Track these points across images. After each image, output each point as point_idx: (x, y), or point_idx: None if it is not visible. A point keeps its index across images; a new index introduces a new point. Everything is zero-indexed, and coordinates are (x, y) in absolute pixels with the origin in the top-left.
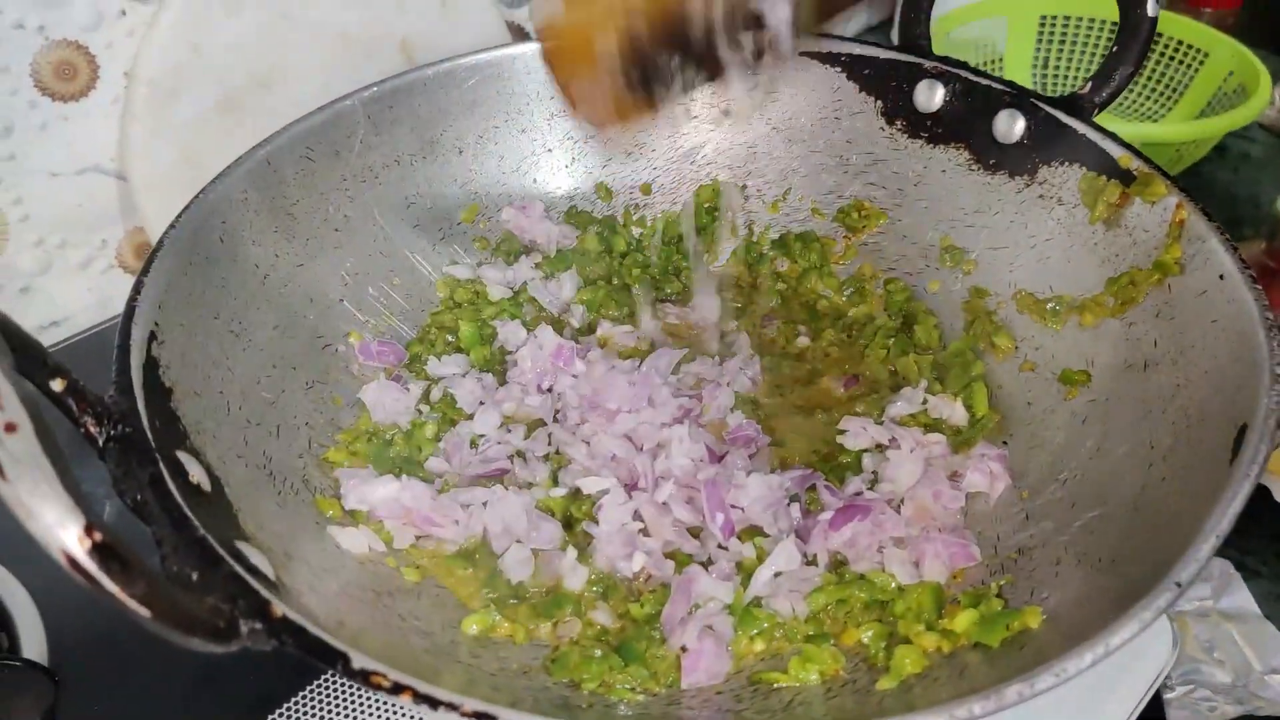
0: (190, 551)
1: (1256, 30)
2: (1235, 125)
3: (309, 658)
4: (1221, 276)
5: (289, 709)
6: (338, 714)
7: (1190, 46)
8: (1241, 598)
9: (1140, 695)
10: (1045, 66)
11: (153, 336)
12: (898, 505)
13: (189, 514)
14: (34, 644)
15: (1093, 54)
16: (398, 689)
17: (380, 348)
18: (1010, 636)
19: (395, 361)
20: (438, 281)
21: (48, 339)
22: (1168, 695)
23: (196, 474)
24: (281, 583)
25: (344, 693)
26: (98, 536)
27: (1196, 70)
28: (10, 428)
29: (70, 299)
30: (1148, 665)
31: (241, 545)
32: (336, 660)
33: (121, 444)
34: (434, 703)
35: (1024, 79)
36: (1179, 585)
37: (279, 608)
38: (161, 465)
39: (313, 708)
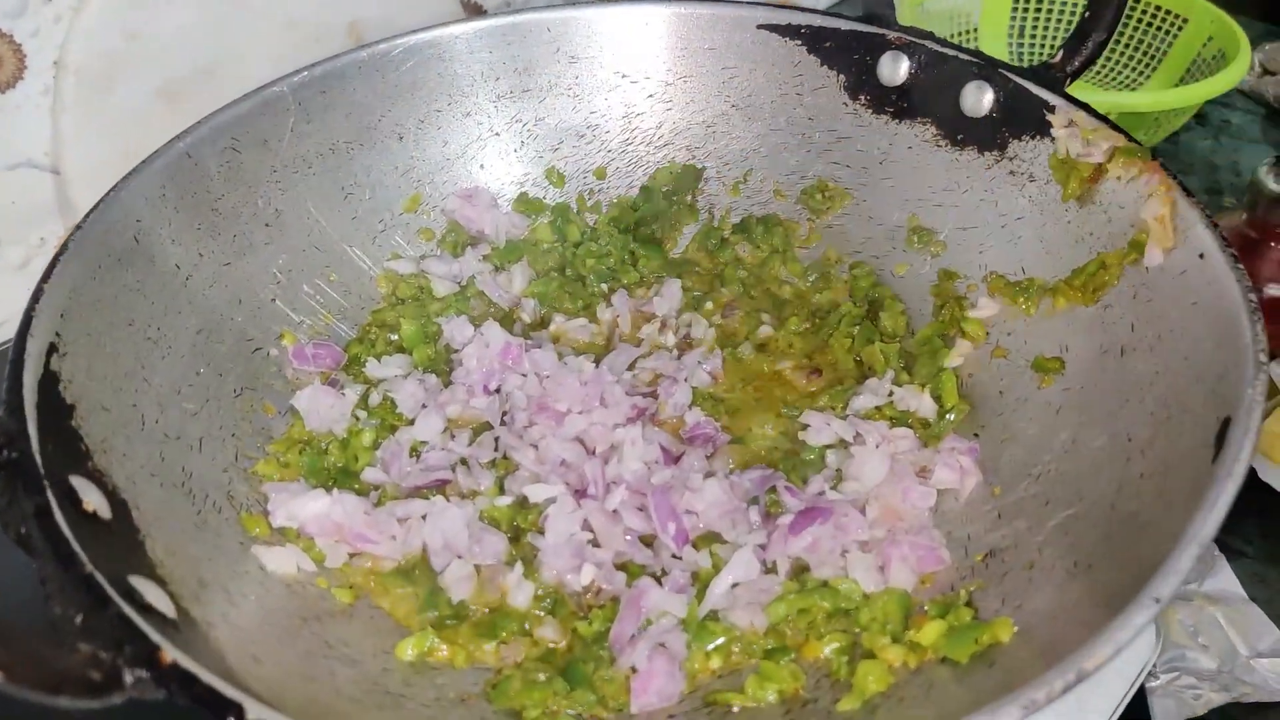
0: (76, 590)
1: None
2: (1215, 93)
3: (200, 709)
4: (1202, 255)
5: None
6: None
7: (1168, 12)
8: (1225, 579)
9: (1122, 694)
10: (1022, 36)
11: (52, 349)
12: (863, 506)
13: (76, 549)
14: None
15: (1070, 22)
16: None
17: (316, 350)
18: (980, 650)
19: (333, 365)
20: (378, 276)
21: None
22: (1151, 684)
23: (94, 501)
24: (188, 617)
25: None
26: None
27: (1175, 36)
28: None
29: (8, 301)
30: (1129, 663)
31: (136, 581)
32: (228, 711)
33: (7, 470)
34: None
35: (1000, 51)
36: (1157, 601)
37: (168, 654)
38: (50, 494)
39: None
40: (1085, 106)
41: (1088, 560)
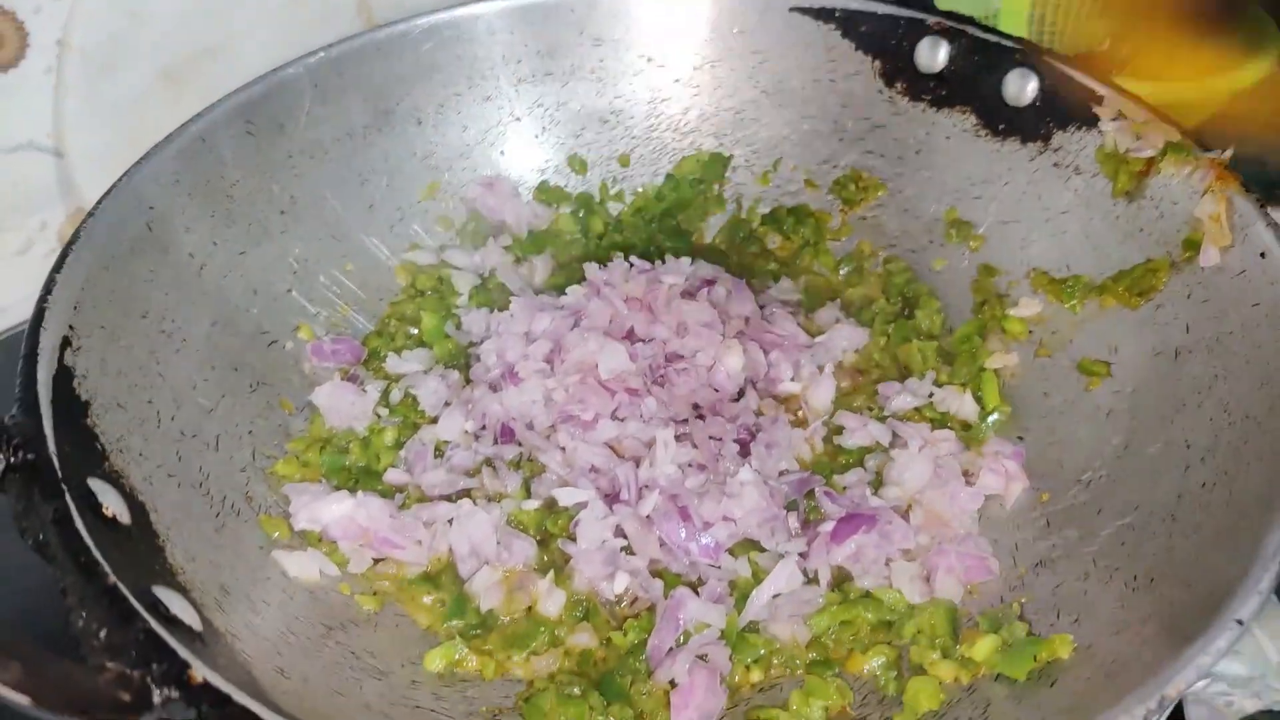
0: (99, 604)
1: None
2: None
3: None
4: (1263, 254)
5: None
6: None
7: None
8: None
9: None
10: (1042, 24)
11: (66, 342)
12: (905, 512)
13: (99, 558)
14: None
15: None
16: None
17: (335, 345)
18: (1039, 668)
19: (352, 360)
20: (397, 268)
21: None
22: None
23: (113, 505)
24: (211, 628)
25: None
26: None
27: None
28: None
29: (9, 286)
30: None
31: (160, 591)
32: None
33: (24, 473)
34: None
35: (1021, 31)
36: (1240, 623)
37: (199, 673)
38: (69, 499)
39: None
40: (1134, 96)
41: (1149, 574)
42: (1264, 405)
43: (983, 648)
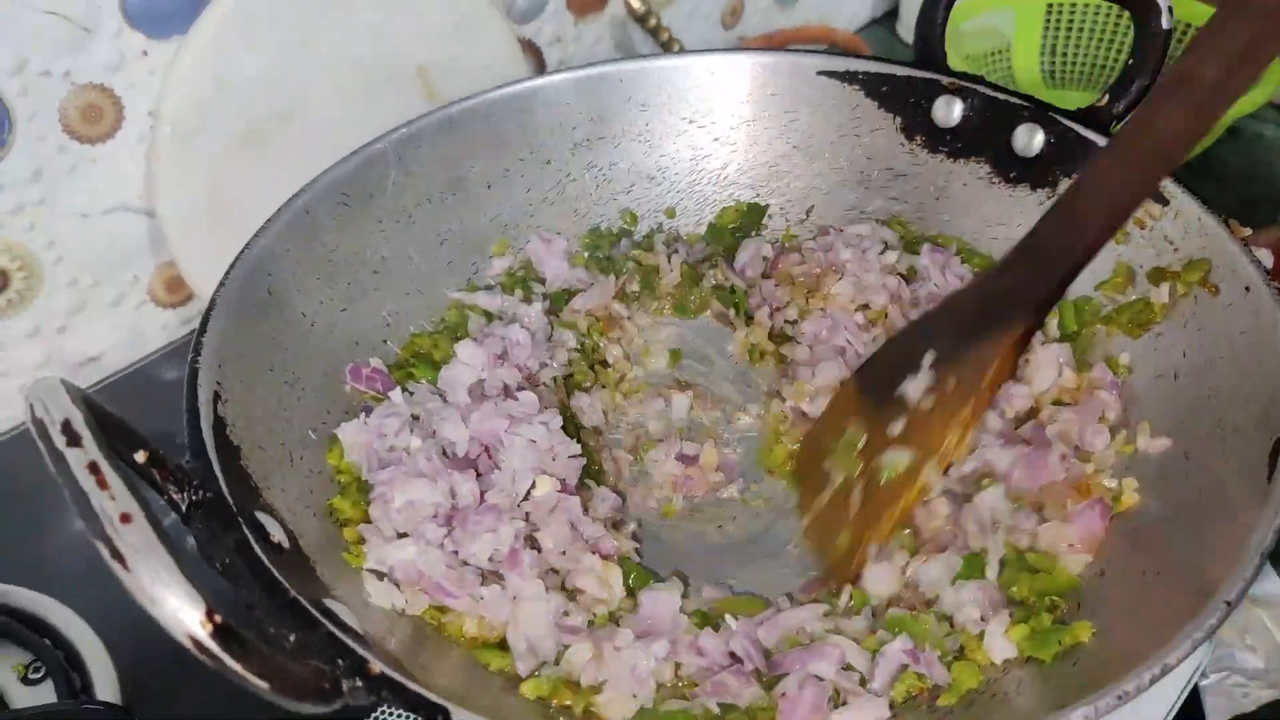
0: (284, 614)
1: None
2: (1247, 109)
3: (410, 712)
4: (1247, 289)
5: None
6: None
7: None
8: (1272, 583)
9: (1179, 691)
10: (1054, 54)
11: (217, 396)
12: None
13: (278, 576)
14: (106, 685)
15: (1100, 38)
16: None
17: (372, 372)
18: (1063, 651)
19: (383, 389)
20: (449, 305)
21: (84, 377)
22: (1203, 682)
23: (276, 533)
24: (369, 636)
25: None
26: (218, 620)
27: None
28: (126, 519)
29: (104, 336)
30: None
31: (330, 602)
32: (437, 714)
33: (204, 509)
34: None
35: (1032, 67)
36: (1228, 604)
37: (376, 665)
38: (245, 528)
39: None
40: None
41: (1156, 568)
42: (1250, 420)
43: (1015, 634)
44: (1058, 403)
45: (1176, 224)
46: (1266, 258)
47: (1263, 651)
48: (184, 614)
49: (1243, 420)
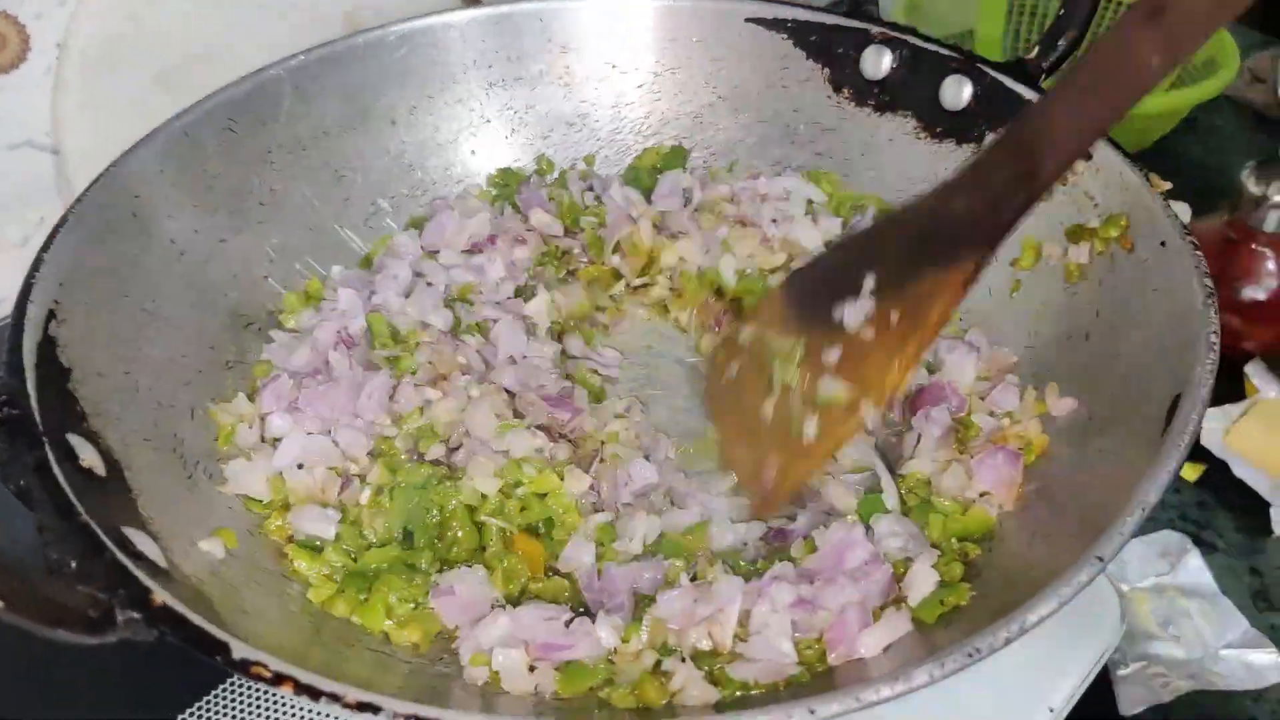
0: (72, 539)
1: None
2: (1202, 98)
3: (189, 648)
4: (1163, 244)
5: (200, 709)
6: (250, 714)
7: None
8: (1197, 572)
9: (1084, 672)
10: (1017, 41)
11: (51, 315)
12: None
13: (73, 499)
14: None
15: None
16: (278, 679)
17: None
18: (945, 612)
19: None
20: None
21: None
22: (1121, 672)
23: (89, 458)
24: (177, 569)
25: (255, 695)
26: None
27: None
28: None
29: (7, 277)
30: (1093, 642)
31: (130, 532)
32: (216, 651)
33: (8, 426)
34: (315, 693)
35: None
36: (1101, 559)
37: (160, 596)
38: (48, 449)
39: (223, 708)
40: None
41: (1045, 531)
42: (1156, 379)
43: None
44: None
45: (1098, 179)
46: (1184, 211)
47: (1185, 642)
48: None
49: (1149, 380)
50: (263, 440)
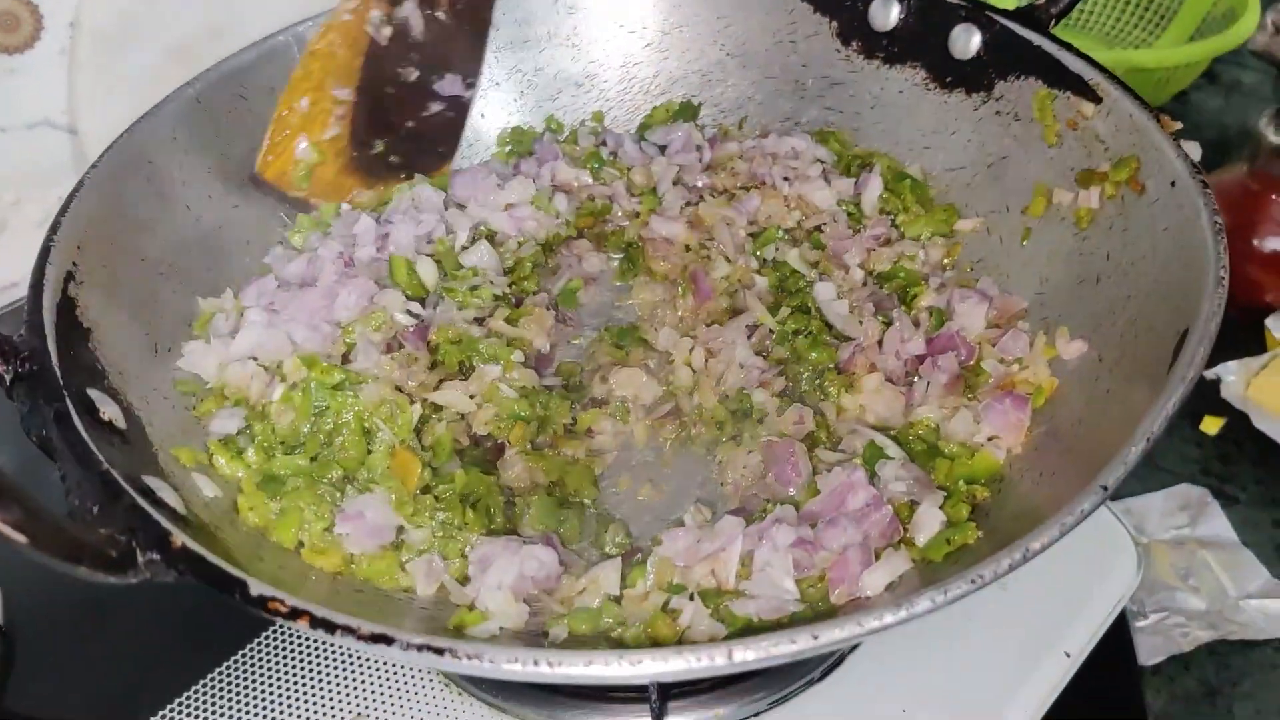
0: (93, 486)
1: None
2: (1221, 50)
3: (207, 587)
4: (1173, 183)
5: (242, 657)
6: (289, 661)
7: None
8: (1219, 525)
9: (1101, 619)
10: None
11: (70, 276)
12: None
13: (93, 449)
14: None
15: None
16: (295, 614)
17: None
18: (951, 551)
19: None
20: None
21: (5, 299)
22: (1140, 623)
23: (110, 412)
24: (197, 519)
25: (293, 641)
26: None
27: None
28: None
29: (27, 257)
30: (1109, 589)
31: (151, 480)
32: (234, 588)
33: (28, 381)
34: (330, 626)
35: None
36: (1104, 489)
37: (178, 538)
38: (69, 402)
39: (264, 656)
40: (1069, 47)
41: (1052, 470)
42: (1164, 317)
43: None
44: None
45: (1108, 122)
46: (1195, 150)
47: (1205, 593)
48: None
49: (1157, 318)
50: (232, 337)
